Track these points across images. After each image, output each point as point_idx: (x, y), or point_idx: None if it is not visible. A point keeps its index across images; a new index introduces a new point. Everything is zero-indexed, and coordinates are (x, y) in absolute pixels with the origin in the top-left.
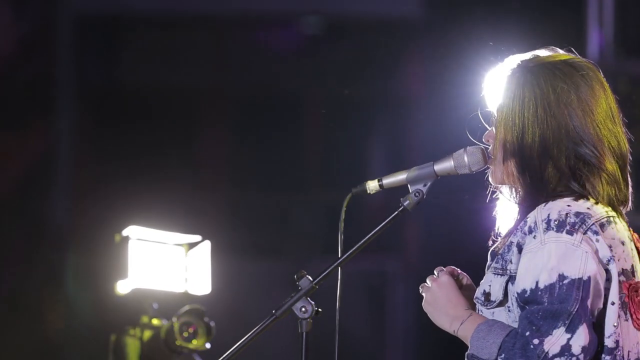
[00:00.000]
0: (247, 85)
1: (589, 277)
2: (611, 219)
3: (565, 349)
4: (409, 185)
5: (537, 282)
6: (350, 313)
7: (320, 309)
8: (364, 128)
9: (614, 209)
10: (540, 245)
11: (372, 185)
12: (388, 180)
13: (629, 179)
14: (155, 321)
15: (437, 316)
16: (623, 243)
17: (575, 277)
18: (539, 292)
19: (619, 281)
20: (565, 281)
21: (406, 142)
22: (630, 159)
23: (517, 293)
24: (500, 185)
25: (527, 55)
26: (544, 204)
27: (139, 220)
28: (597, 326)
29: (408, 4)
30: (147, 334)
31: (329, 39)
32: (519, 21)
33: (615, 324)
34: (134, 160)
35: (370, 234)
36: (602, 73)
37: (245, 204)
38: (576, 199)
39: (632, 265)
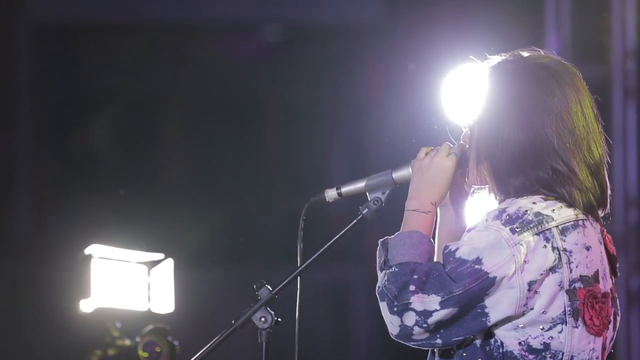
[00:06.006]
0: (208, 92)
1: (495, 278)
2: (579, 222)
3: (425, 313)
4: (367, 194)
5: (457, 249)
6: (313, 323)
7: (279, 319)
8: (324, 134)
9: (589, 211)
10: (484, 228)
11: (331, 194)
12: (347, 189)
13: (606, 181)
14: (118, 341)
15: (413, 182)
16: (588, 249)
17: (484, 270)
18: (451, 258)
19: (574, 288)
20: (476, 266)
21: (367, 148)
22: (609, 160)
23: (444, 246)
24: (478, 187)
25: (507, 56)
26: (512, 198)
27: (101, 238)
28: (506, 323)
29: (368, 10)
30: (111, 353)
31: (289, 46)
32: (479, 26)
33: (544, 328)
34: (94, 174)
35: (329, 243)
36: (581, 75)
37: (207, 214)
38: (545, 199)
39: (597, 271)
